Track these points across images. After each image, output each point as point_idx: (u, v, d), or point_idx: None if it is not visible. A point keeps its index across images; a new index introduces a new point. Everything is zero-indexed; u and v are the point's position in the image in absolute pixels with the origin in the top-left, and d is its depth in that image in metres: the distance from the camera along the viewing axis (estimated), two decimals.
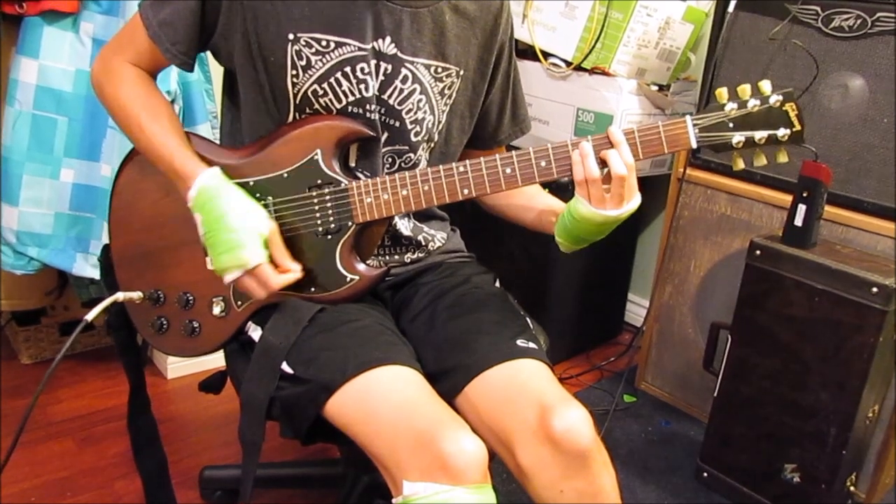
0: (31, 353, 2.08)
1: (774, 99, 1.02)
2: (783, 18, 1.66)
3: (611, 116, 1.96)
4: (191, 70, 1.14)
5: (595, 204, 1.06)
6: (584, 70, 2.00)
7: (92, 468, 1.70)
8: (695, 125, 1.04)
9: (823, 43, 1.62)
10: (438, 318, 1.17)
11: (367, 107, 1.12)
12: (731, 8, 1.76)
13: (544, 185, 1.16)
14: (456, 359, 1.09)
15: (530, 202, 1.26)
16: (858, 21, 1.57)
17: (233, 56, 1.10)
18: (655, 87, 2.05)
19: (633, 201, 1.08)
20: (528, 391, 1.04)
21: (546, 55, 2.06)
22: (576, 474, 1.00)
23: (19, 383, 1.97)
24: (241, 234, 1.02)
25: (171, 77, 1.67)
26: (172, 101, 1.70)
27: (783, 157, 1.06)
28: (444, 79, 1.17)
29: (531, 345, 1.11)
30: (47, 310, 2.07)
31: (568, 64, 2.03)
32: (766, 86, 1.03)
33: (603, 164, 1.04)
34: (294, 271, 1.07)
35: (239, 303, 1.15)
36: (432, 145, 1.22)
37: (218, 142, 1.22)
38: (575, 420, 1.00)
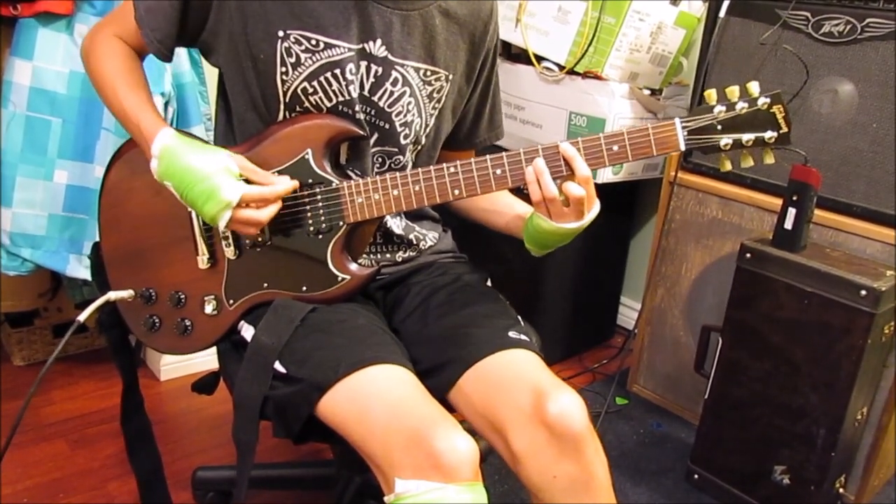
0: (24, 355, 2.08)
1: (762, 101, 1.03)
2: (774, 24, 1.67)
3: (603, 120, 1.97)
4: (168, 60, 1.15)
5: (555, 219, 1.08)
6: (577, 74, 2.01)
7: (85, 469, 1.70)
8: (684, 128, 1.04)
9: (813, 48, 1.63)
10: (430, 315, 1.18)
11: (355, 108, 1.12)
12: (722, 13, 1.77)
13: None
14: (449, 353, 1.10)
15: (495, 206, 1.28)
16: (848, 27, 1.58)
17: (222, 54, 1.11)
18: (648, 92, 2.06)
19: (593, 211, 1.09)
20: (522, 378, 1.05)
21: (539, 59, 2.08)
22: (569, 459, 1.01)
23: (11, 385, 1.97)
24: (211, 178, 1.02)
25: (166, 79, 1.67)
26: (167, 104, 1.70)
27: (770, 159, 1.06)
28: (433, 82, 1.17)
29: (523, 337, 1.12)
30: (40, 311, 2.07)
31: (561, 68, 2.04)
32: (754, 87, 1.03)
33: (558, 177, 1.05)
34: (281, 183, 1.07)
35: (231, 301, 1.16)
36: (419, 147, 1.23)
37: (211, 142, 1.23)
38: (569, 404, 1.01)
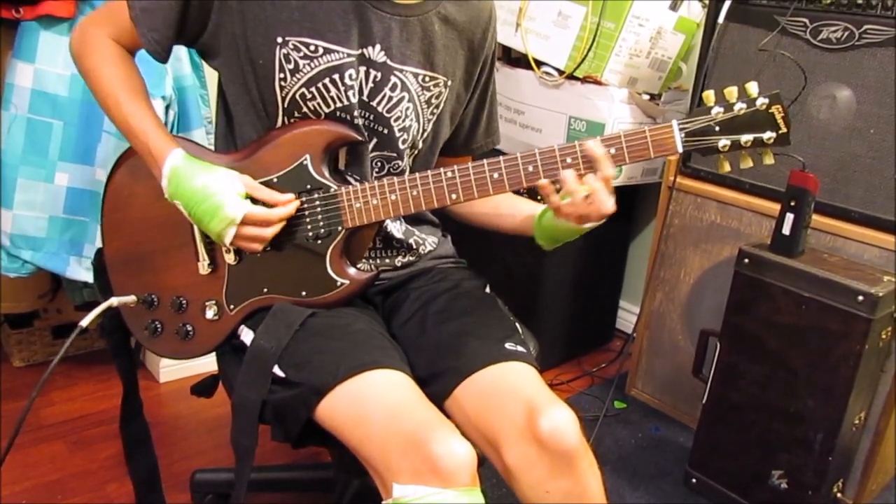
0: (24, 357, 2.08)
1: (761, 101, 1.02)
2: (772, 30, 1.68)
3: (602, 125, 1.98)
4: (163, 60, 1.14)
5: (575, 223, 1.09)
6: (577, 79, 2.02)
7: (83, 471, 1.70)
8: (681, 129, 1.04)
9: (812, 54, 1.64)
10: (428, 322, 1.18)
11: (354, 113, 1.13)
12: (721, 18, 1.78)
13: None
14: (445, 362, 1.10)
15: (498, 209, 1.28)
16: (846, 33, 1.59)
17: (222, 57, 1.12)
18: (647, 97, 2.07)
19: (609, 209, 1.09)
20: (516, 392, 1.05)
21: (539, 63, 2.08)
22: (562, 474, 1.01)
23: (11, 387, 1.97)
24: (217, 196, 1.05)
25: (167, 83, 1.68)
26: (168, 107, 1.71)
27: (769, 159, 1.06)
28: (431, 88, 1.18)
29: (519, 348, 1.12)
30: (40, 313, 2.07)
31: (560, 72, 2.04)
32: (752, 88, 1.02)
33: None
34: (288, 202, 1.09)
35: (231, 306, 1.16)
36: (416, 152, 1.24)
37: (212, 146, 1.23)
38: (561, 420, 1.01)
